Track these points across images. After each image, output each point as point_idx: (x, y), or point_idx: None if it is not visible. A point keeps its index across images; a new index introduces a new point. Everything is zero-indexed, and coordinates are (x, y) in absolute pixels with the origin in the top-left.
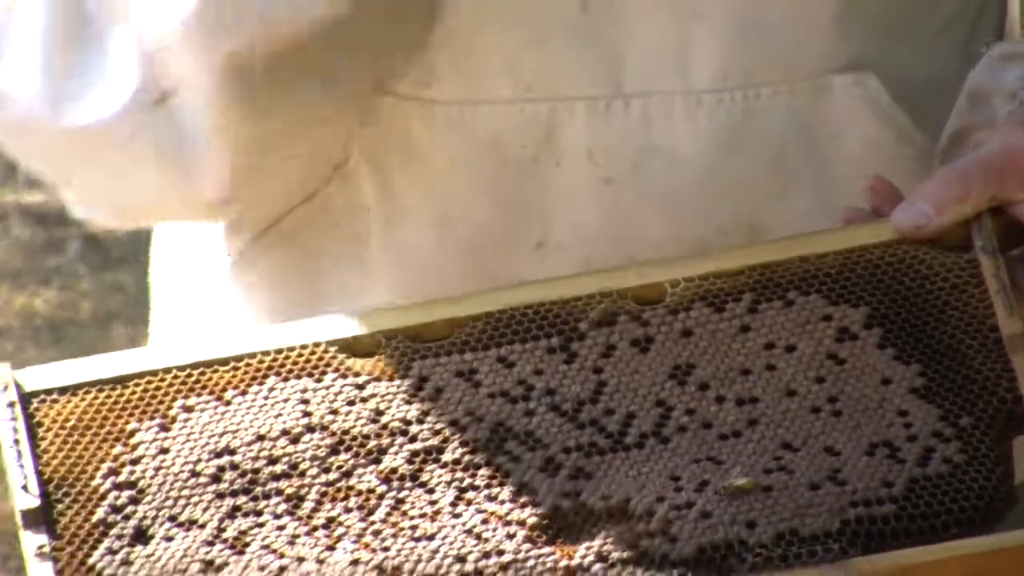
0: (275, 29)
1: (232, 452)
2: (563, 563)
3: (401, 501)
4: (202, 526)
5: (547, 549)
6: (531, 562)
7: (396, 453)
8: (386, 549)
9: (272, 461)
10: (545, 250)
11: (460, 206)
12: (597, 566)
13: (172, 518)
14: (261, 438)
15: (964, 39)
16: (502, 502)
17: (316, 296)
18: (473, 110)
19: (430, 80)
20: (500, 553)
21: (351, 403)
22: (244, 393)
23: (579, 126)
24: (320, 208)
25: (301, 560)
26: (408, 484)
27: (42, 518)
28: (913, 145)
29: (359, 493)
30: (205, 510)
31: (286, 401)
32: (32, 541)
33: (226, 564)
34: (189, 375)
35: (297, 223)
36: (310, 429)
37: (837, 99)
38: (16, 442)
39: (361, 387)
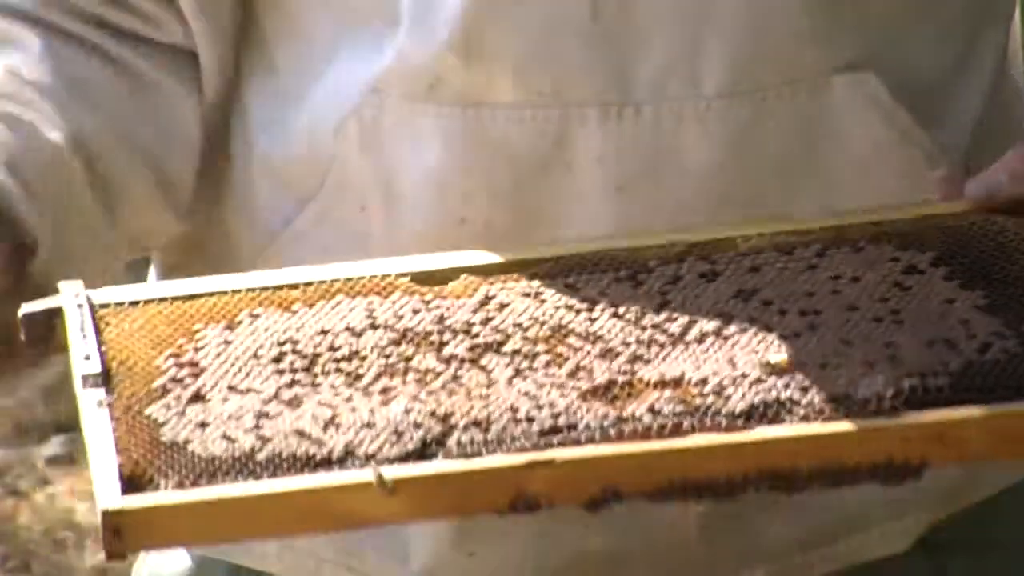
0: None
1: (295, 341)
2: (613, 413)
3: (458, 377)
4: (259, 392)
5: (598, 404)
6: (580, 412)
7: (457, 345)
8: (439, 402)
9: (333, 348)
10: None
11: (474, 210)
12: (647, 416)
13: (231, 387)
14: (324, 332)
15: (968, 39)
16: (558, 377)
17: None
18: (481, 114)
19: (438, 83)
20: (552, 406)
21: (416, 311)
22: (311, 306)
23: (590, 132)
24: (322, 213)
25: (354, 410)
26: (466, 366)
27: (102, 381)
28: (917, 145)
29: (417, 371)
30: (264, 381)
31: (352, 309)
32: (90, 396)
33: (280, 414)
34: (259, 293)
35: (305, 225)
36: (373, 327)
37: (838, 99)
38: (81, 328)
39: (428, 302)
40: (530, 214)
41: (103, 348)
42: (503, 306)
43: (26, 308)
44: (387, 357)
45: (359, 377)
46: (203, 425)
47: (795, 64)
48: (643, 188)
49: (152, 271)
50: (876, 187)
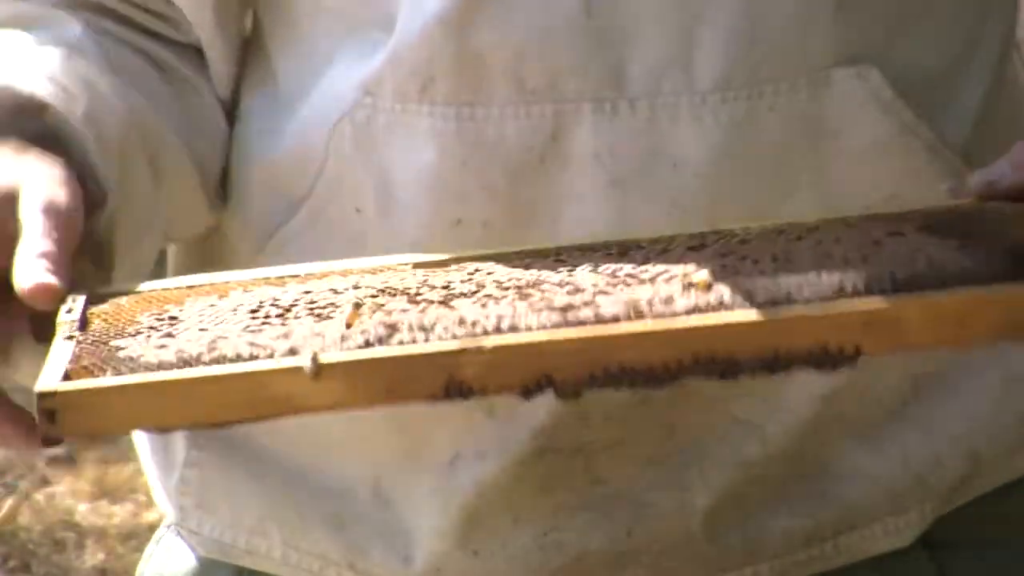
0: None
1: (277, 299)
2: (557, 317)
3: (423, 311)
4: (229, 330)
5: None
6: (525, 318)
7: (431, 293)
8: (389, 313)
9: (312, 302)
10: None
11: (470, 210)
12: (589, 313)
13: (202, 329)
14: (307, 292)
15: (971, 34)
16: (518, 304)
17: None
18: (475, 113)
19: (430, 84)
20: (500, 315)
21: (403, 279)
22: (303, 283)
23: (585, 128)
24: (315, 214)
25: (310, 327)
26: (434, 305)
27: (77, 326)
28: (918, 138)
29: (386, 311)
30: (235, 324)
31: (340, 281)
32: (62, 331)
33: (239, 336)
34: (253, 281)
35: (298, 227)
36: (356, 288)
37: (838, 93)
38: (71, 306)
39: (414, 272)
40: (526, 212)
41: (89, 310)
42: (488, 274)
43: None
44: (361, 304)
45: (329, 318)
46: (162, 347)
47: (793, 59)
48: (639, 183)
49: None
50: (876, 181)
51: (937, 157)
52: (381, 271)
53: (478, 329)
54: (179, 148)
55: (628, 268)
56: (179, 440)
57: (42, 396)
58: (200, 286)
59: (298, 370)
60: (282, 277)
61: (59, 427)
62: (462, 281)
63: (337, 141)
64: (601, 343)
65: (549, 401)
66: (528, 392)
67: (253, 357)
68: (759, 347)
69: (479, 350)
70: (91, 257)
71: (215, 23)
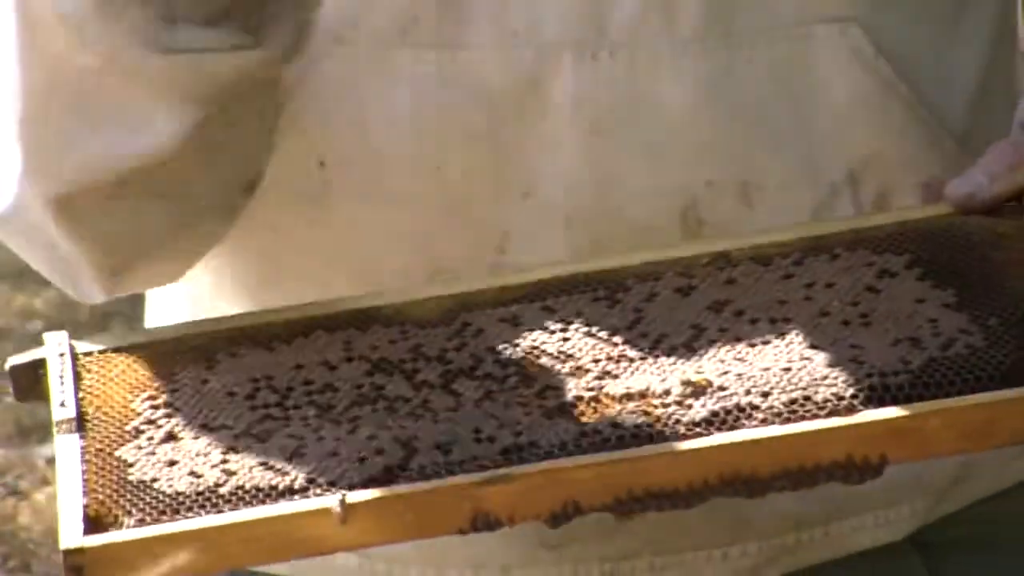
0: (98, 171)
1: (270, 377)
2: (575, 428)
3: (427, 402)
4: (231, 428)
5: (562, 420)
6: (542, 429)
7: (430, 372)
8: (404, 428)
9: (308, 382)
10: (533, 200)
11: (450, 155)
12: (608, 429)
13: (203, 425)
14: (299, 367)
15: (954, 14)
16: (526, 396)
17: (279, 272)
18: (456, 56)
19: (412, 25)
20: (516, 424)
21: (392, 342)
22: (289, 343)
23: (566, 76)
24: (272, 181)
25: (320, 439)
26: (437, 391)
27: (76, 426)
28: (898, 97)
29: (387, 399)
30: (236, 418)
31: (329, 344)
32: (64, 441)
33: (248, 448)
34: (239, 332)
35: (256, 201)
36: (348, 360)
37: (820, 49)
38: (61, 375)
39: (405, 332)
40: (507, 159)
41: (80, 395)
42: (479, 332)
43: (12, 360)
44: (359, 387)
45: (331, 408)
46: (171, 463)
47: (772, 12)
48: (618, 132)
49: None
50: (857, 138)
51: (917, 118)
52: (365, 324)
53: (496, 447)
54: None
55: (624, 332)
56: None
57: (68, 553)
58: (182, 342)
59: (325, 512)
60: (262, 327)
61: None
62: (455, 349)
63: (302, 93)
64: (625, 468)
65: None
66: (556, 518)
67: (272, 488)
68: (785, 464)
69: (504, 478)
70: None
71: None
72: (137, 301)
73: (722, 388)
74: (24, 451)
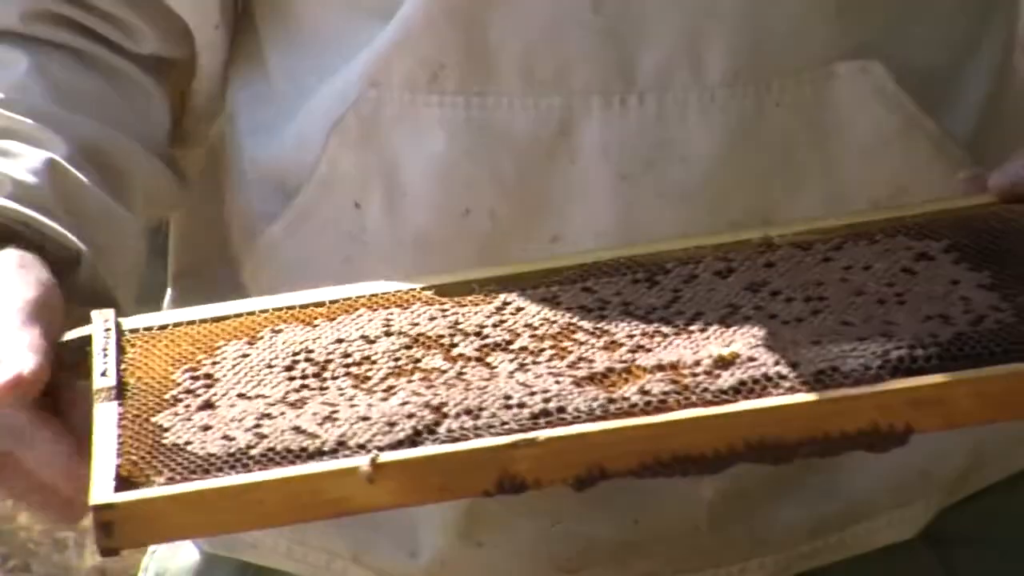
0: None
1: (310, 351)
2: (603, 395)
3: (462, 374)
4: (267, 397)
5: (592, 388)
6: (572, 396)
7: (467, 346)
8: (436, 394)
9: (346, 355)
10: (561, 245)
11: (478, 199)
12: (636, 396)
13: (240, 394)
14: (340, 341)
15: (973, 27)
16: (559, 367)
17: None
18: (485, 102)
19: (441, 72)
20: (545, 391)
21: (432, 319)
22: (332, 320)
23: (594, 122)
24: (307, 211)
25: (353, 406)
26: (472, 364)
27: (115, 395)
28: (923, 132)
29: (423, 370)
30: (274, 387)
31: (370, 320)
32: (102, 409)
33: (282, 415)
34: (284, 312)
35: (288, 224)
36: (388, 334)
37: (842, 88)
38: (104, 348)
39: (445, 310)
40: (535, 204)
41: (122, 367)
42: (518, 310)
43: (64, 336)
44: (397, 360)
45: (367, 379)
46: (206, 428)
47: (799, 52)
48: (647, 177)
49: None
50: (882, 175)
51: (942, 151)
52: (407, 302)
53: (525, 413)
54: (137, 148)
55: (661, 310)
56: None
57: (99, 509)
58: (226, 321)
59: (354, 471)
60: (307, 306)
61: (115, 539)
62: (493, 325)
63: (340, 135)
64: (651, 433)
65: None
66: (581, 483)
67: (303, 450)
68: (810, 430)
69: (531, 442)
70: (92, 305)
71: (214, 29)
72: (138, 300)
73: (751, 359)
74: None
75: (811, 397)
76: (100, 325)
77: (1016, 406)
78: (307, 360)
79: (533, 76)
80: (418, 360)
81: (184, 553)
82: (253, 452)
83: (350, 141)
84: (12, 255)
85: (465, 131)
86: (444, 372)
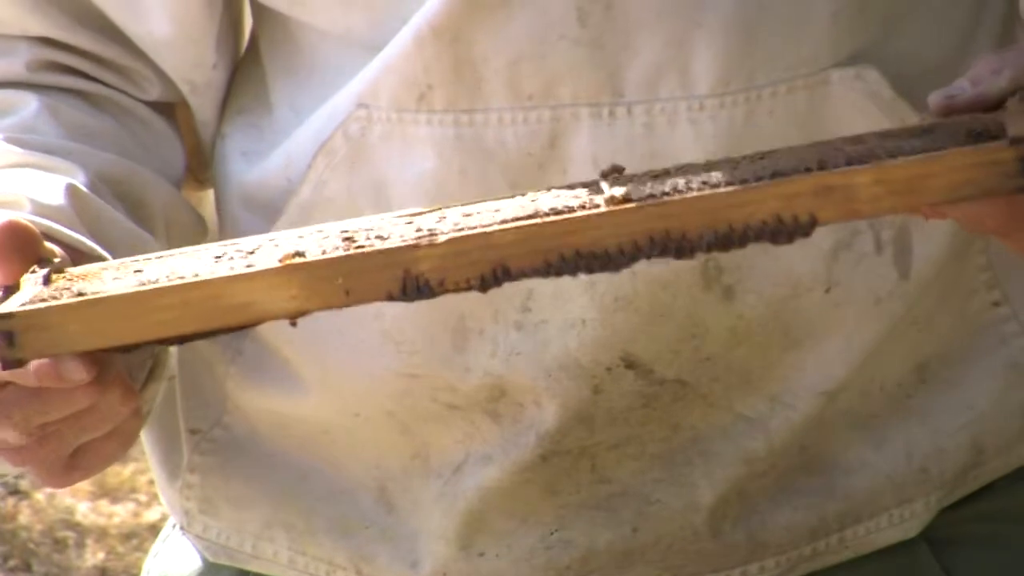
0: None
1: (241, 247)
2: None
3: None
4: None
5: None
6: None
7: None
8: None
9: (277, 244)
10: None
11: None
12: (546, 199)
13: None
14: (272, 240)
15: (967, 22)
16: None
17: (313, 328)
18: (473, 119)
19: (428, 92)
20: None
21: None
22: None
23: (583, 133)
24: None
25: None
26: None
27: (42, 280)
28: None
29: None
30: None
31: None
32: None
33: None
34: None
35: None
36: (320, 232)
37: (837, 94)
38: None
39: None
40: None
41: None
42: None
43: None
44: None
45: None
46: (122, 281)
47: (789, 61)
48: None
49: None
50: None
51: None
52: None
53: (436, 231)
54: (155, 178)
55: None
56: (182, 445)
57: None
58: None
59: (260, 274)
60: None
61: (18, 349)
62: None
63: (327, 156)
64: (553, 229)
65: (555, 407)
66: (485, 283)
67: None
68: (713, 223)
69: (433, 244)
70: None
71: (212, 69)
72: None
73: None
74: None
75: (713, 191)
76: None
77: (924, 193)
78: (237, 251)
79: (521, 90)
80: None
81: (186, 560)
82: (163, 282)
83: (337, 162)
84: None
85: (454, 148)
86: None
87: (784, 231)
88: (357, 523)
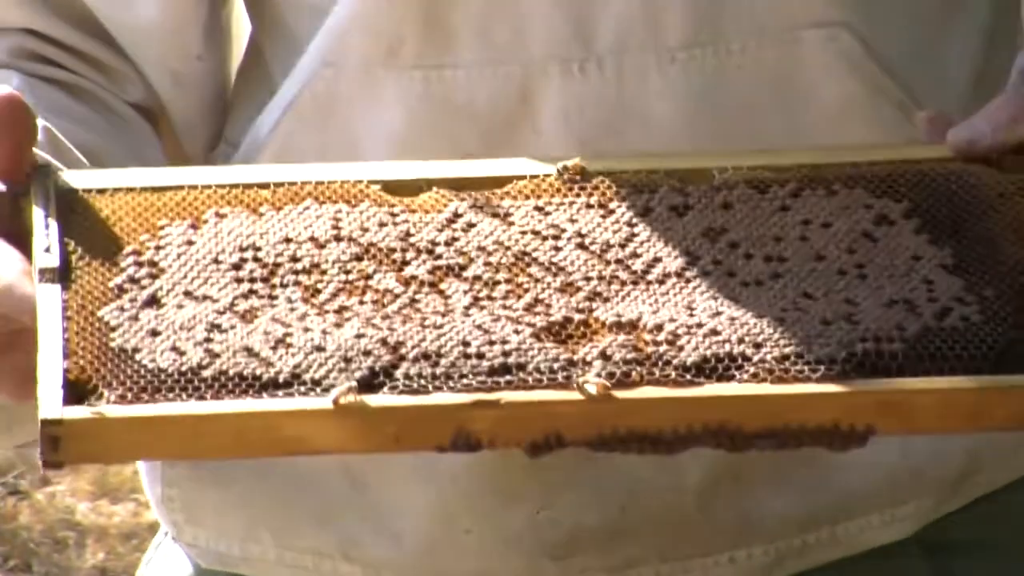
0: None
1: (257, 248)
2: (564, 355)
3: (415, 301)
4: (215, 301)
5: (551, 344)
6: (533, 352)
7: (419, 266)
8: (392, 330)
9: (295, 259)
10: None
11: None
12: (598, 361)
13: (187, 292)
14: (288, 240)
15: (945, 9)
16: (515, 310)
17: None
18: (443, 75)
19: (398, 46)
20: (504, 342)
21: (382, 225)
22: (279, 210)
23: (554, 89)
24: None
25: (307, 330)
26: (425, 289)
27: (58, 276)
28: (889, 99)
29: (375, 291)
30: (220, 289)
31: (319, 217)
32: (46, 292)
33: (232, 327)
34: (228, 191)
35: None
36: (337, 239)
37: (809, 54)
38: (46, 217)
39: (395, 215)
40: None
41: (64, 240)
42: (470, 226)
43: None
44: (347, 273)
45: (317, 292)
46: (154, 333)
47: (761, 18)
48: (607, 143)
49: None
50: (848, 141)
51: (909, 119)
52: (356, 198)
53: (484, 365)
54: (134, 160)
55: (616, 249)
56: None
57: (47, 423)
58: (168, 193)
59: (309, 413)
60: (251, 187)
61: (62, 454)
62: (446, 243)
63: (293, 116)
64: (613, 408)
65: None
66: (536, 448)
67: (256, 378)
68: (770, 421)
69: (493, 404)
70: None
71: (197, 60)
72: None
73: (714, 332)
74: (24, 451)
75: (776, 390)
76: (42, 184)
77: (981, 420)
78: (255, 260)
79: (491, 42)
80: (369, 277)
81: (179, 567)
82: (205, 374)
83: (305, 120)
84: None
85: (424, 105)
86: (397, 296)
87: (839, 439)
88: (334, 509)
